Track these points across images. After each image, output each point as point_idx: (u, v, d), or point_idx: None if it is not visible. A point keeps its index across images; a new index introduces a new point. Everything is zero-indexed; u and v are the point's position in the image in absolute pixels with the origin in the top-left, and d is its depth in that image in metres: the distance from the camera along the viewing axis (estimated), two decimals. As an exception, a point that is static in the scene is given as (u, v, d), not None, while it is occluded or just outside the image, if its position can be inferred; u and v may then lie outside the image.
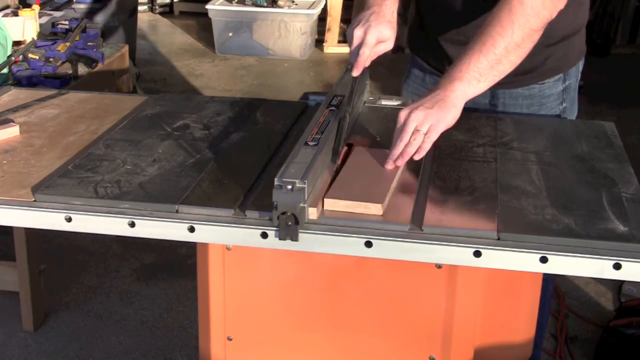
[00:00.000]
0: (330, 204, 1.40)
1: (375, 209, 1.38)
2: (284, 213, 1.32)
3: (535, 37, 1.62)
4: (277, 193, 1.32)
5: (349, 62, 1.80)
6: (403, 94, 2.10)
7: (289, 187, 1.32)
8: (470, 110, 1.70)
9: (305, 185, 1.33)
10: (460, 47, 1.66)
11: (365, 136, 1.72)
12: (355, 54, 1.76)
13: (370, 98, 1.94)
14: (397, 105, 1.90)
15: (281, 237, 1.34)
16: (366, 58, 1.74)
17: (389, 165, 1.52)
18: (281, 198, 1.32)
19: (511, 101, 1.93)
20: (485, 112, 1.90)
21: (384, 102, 1.92)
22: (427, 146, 1.52)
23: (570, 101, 1.97)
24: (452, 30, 1.87)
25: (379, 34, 1.75)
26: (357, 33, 1.75)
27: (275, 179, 1.33)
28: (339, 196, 1.40)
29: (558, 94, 1.94)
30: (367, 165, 1.53)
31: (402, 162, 1.52)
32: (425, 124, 1.51)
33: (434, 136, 1.52)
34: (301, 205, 1.33)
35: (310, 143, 1.48)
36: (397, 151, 1.52)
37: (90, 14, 4.51)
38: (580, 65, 1.99)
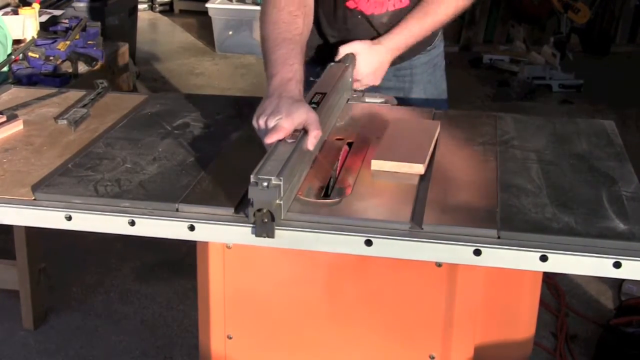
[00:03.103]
0: (378, 165, 1.54)
1: (417, 169, 1.53)
2: (260, 210, 1.32)
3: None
4: (253, 190, 1.31)
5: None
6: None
7: (265, 184, 1.31)
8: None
9: (281, 182, 1.32)
10: None
11: (363, 134, 1.72)
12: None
13: (354, 95, 1.94)
14: (380, 102, 1.92)
15: (257, 234, 1.34)
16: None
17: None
18: (257, 195, 1.31)
19: (418, 69, 2.19)
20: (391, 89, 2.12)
21: (368, 100, 1.94)
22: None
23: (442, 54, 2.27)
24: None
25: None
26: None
27: (251, 175, 1.33)
28: (386, 158, 1.55)
29: (440, 54, 2.25)
30: (405, 132, 1.69)
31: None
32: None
33: None
34: (277, 202, 1.33)
35: (289, 140, 1.48)
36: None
37: (91, 12, 4.51)
38: (441, 44, 2.27)
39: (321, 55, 2.06)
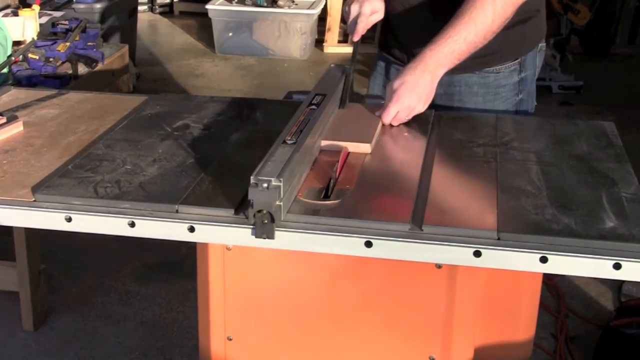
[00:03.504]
0: (325, 145, 1.63)
1: (364, 148, 1.63)
2: (260, 211, 1.32)
3: (505, 23, 1.78)
4: (253, 191, 1.32)
5: (333, 63, 1.99)
6: (369, 86, 2.24)
7: (265, 185, 1.32)
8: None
9: (281, 184, 1.33)
10: (422, 39, 1.80)
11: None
12: (353, 23, 1.95)
13: (354, 97, 1.94)
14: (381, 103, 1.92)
15: (257, 236, 1.34)
16: (363, 26, 1.94)
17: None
18: (257, 196, 1.32)
19: (467, 89, 2.00)
20: (441, 107, 1.95)
21: (368, 101, 1.93)
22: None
23: (527, 93, 2.04)
24: (415, 26, 1.99)
25: (372, 6, 1.95)
26: (354, 7, 1.96)
27: (251, 177, 1.33)
28: (334, 138, 1.64)
29: (514, 85, 2.01)
30: (356, 115, 1.81)
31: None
32: (410, 114, 1.77)
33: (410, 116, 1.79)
34: (277, 203, 1.33)
35: (289, 141, 1.48)
36: (385, 121, 1.78)
37: (90, 14, 4.52)
38: (539, 59, 2.07)
39: (384, 39, 2.13)
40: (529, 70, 2.02)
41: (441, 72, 1.76)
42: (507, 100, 2.01)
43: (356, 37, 1.94)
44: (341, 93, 1.85)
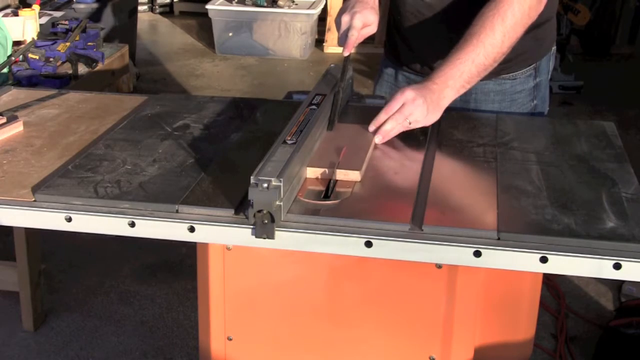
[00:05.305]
0: (312, 172, 1.51)
1: (354, 176, 1.50)
2: (260, 211, 1.33)
3: (514, 44, 1.73)
4: (253, 191, 1.32)
5: (332, 63, 1.95)
6: (376, 93, 2.17)
7: (265, 185, 1.32)
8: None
9: (281, 184, 1.33)
10: (433, 45, 1.76)
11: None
12: (344, 36, 1.87)
13: (354, 97, 1.94)
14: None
15: (257, 236, 1.34)
16: (354, 40, 1.84)
17: (370, 128, 1.68)
18: (257, 196, 1.32)
19: (483, 97, 1.98)
20: (458, 109, 1.92)
21: (368, 101, 1.93)
22: (398, 131, 1.67)
23: (541, 98, 2.02)
24: (425, 30, 1.94)
25: (364, 19, 1.86)
26: (345, 19, 1.88)
27: (252, 177, 1.33)
28: (321, 165, 1.52)
29: (529, 90, 1.99)
30: (344, 138, 1.65)
31: (379, 139, 1.66)
32: (415, 116, 1.65)
33: (411, 127, 1.67)
34: (277, 203, 1.33)
35: (289, 142, 1.48)
36: (378, 121, 1.66)
37: (90, 14, 4.52)
38: (552, 63, 2.05)
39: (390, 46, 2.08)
40: (544, 75, 2.01)
41: (449, 93, 1.67)
42: (523, 106, 1.99)
43: (346, 52, 1.83)
44: (329, 114, 1.71)
